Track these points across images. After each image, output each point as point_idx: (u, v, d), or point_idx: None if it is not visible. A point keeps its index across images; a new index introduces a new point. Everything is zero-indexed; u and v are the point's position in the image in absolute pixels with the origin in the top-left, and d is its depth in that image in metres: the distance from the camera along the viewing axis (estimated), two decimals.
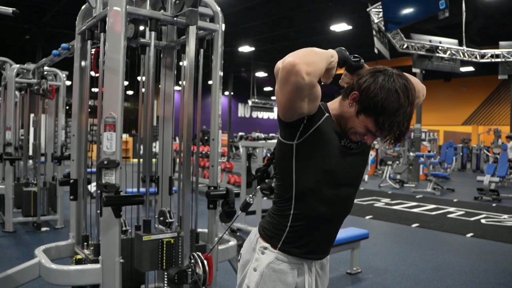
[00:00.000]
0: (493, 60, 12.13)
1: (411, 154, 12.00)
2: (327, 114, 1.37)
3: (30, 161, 6.49)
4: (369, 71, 1.34)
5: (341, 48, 1.35)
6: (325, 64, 1.24)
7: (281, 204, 1.44)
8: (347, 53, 1.36)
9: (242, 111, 31.37)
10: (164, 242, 2.38)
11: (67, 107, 7.68)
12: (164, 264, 2.36)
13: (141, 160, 2.88)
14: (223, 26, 2.73)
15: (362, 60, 1.39)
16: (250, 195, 1.63)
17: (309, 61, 1.17)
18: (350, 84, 1.38)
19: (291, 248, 1.43)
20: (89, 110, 2.87)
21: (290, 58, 1.17)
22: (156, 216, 2.62)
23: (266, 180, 1.62)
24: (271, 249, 1.44)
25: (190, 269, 2.32)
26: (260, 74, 23.06)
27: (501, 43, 12.14)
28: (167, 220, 2.52)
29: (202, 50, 2.79)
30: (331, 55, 1.29)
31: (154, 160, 3.02)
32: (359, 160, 1.46)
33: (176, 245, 2.40)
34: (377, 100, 1.26)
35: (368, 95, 1.27)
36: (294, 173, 1.38)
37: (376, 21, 10.70)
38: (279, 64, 1.20)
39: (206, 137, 13.00)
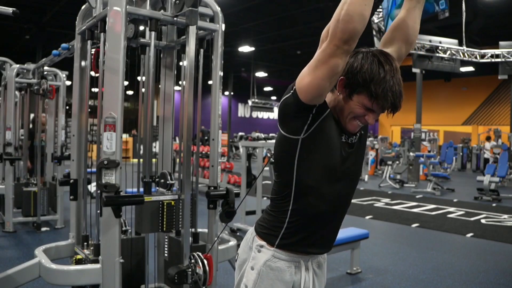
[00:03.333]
0: (493, 60, 12.12)
1: (411, 154, 12.00)
2: (329, 109, 1.37)
3: None
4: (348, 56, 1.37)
5: None
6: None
7: (279, 201, 1.44)
8: None
9: (242, 111, 31.36)
10: (165, 203, 2.35)
11: (67, 107, 7.68)
12: (164, 226, 2.34)
13: (141, 160, 2.88)
14: (223, 26, 2.73)
15: None
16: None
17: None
18: None
19: (288, 244, 1.43)
20: (89, 110, 2.88)
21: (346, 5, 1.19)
22: (157, 179, 2.59)
23: None
24: (268, 247, 1.44)
25: (190, 269, 2.32)
26: (260, 74, 23.04)
27: (501, 43, 12.14)
28: (168, 182, 2.50)
29: (202, 50, 2.79)
30: None
31: (154, 160, 3.02)
32: (358, 155, 1.46)
33: (176, 207, 2.38)
34: (362, 72, 1.31)
35: (353, 72, 1.32)
36: (295, 169, 1.37)
37: (376, 21, 10.70)
38: (336, 15, 1.21)
39: (206, 137, 13.00)
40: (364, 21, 1.21)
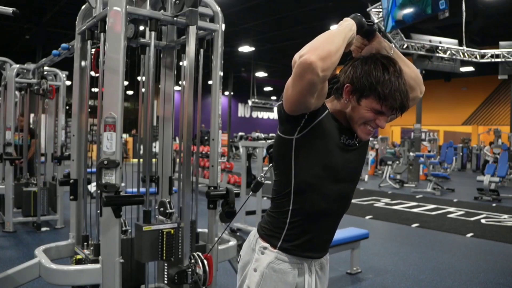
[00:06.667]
0: (493, 60, 12.13)
1: (411, 154, 12.01)
2: (327, 110, 1.38)
3: None
4: (349, 64, 1.39)
5: (356, 14, 1.37)
6: (342, 49, 1.26)
7: (280, 200, 1.44)
8: (363, 18, 1.38)
9: (242, 111, 31.37)
10: (164, 232, 2.36)
11: (67, 107, 7.67)
12: (164, 254, 2.35)
13: (141, 160, 2.88)
14: (223, 26, 2.73)
15: (376, 25, 1.42)
16: (262, 174, 1.66)
17: (324, 55, 1.18)
18: (361, 49, 1.45)
19: (290, 247, 1.43)
20: (89, 110, 2.88)
21: (307, 54, 1.18)
22: (156, 207, 2.60)
23: None
24: (271, 248, 1.44)
25: (190, 269, 2.32)
26: (260, 74, 23.05)
27: (501, 43, 12.14)
28: (167, 211, 2.51)
29: (202, 50, 2.79)
30: (350, 28, 1.31)
31: (154, 160, 3.02)
32: (358, 156, 1.46)
33: (176, 236, 2.39)
34: (368, 76, 1.31)
35: (359, 78, 1.33)
36: (293, 168, 1.38)
37: (376, 21, 10.69)
38: (296, 57, 1.21)
39: (206, 137, 12.98)
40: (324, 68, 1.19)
